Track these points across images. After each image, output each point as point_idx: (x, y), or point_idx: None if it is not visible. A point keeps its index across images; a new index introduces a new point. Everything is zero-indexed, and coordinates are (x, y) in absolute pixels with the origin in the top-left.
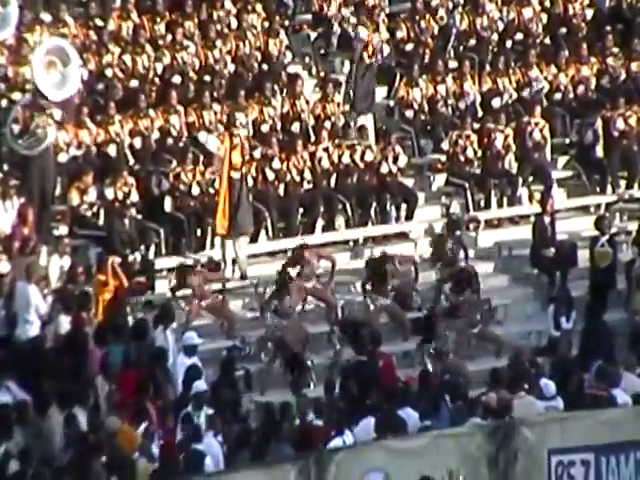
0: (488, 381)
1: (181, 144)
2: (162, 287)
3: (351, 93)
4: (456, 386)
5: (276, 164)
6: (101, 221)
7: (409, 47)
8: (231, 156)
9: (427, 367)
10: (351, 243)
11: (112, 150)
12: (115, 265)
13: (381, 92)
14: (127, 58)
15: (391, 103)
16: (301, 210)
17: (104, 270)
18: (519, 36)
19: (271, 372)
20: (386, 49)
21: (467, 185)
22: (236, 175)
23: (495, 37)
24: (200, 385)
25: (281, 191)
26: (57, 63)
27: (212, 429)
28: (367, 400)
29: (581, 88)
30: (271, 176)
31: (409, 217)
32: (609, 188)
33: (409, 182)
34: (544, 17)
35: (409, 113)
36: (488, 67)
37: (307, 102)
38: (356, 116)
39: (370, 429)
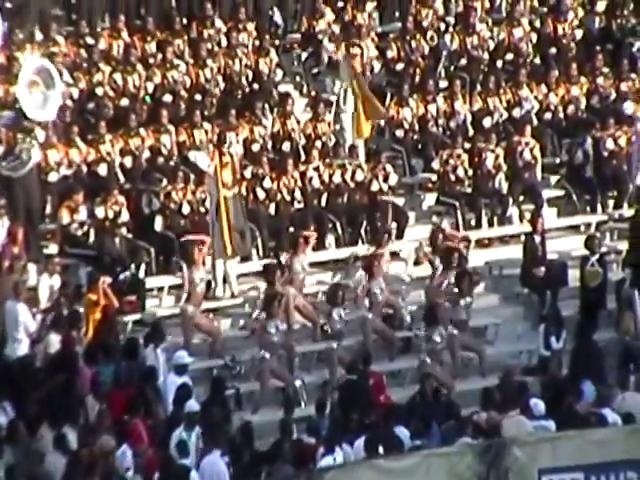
0: (478, 401)
1: (172, 163)
2: (152, 306)
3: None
4: (449, 405)
5: (267, 183)
6: (91, 240)
7: (400, 66)
8: (222, 175)
9: None
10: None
11: (103, 169)
12: (105, 285)
13: None
14: (118, 77)
15: (382, 122)
16: (292, 229)
17: (95, 289)
18: (509, 56)
19: (263, 391)
20: (376, 67)
21: (458, 204)
22: (229, 193)
23: (486, 57)
24: (193, 405)
25: (272, 210)
26: (40, 84)
27: (218, 448)
28: (358, 419)
29: (571, 108)
30: (262, 195)
31: (400, 236)
32: (599, 207)
33: (400, 201)
34: (534, 37)
35: (400, 132)
36: (479, 86)
37: (298, 121)
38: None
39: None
